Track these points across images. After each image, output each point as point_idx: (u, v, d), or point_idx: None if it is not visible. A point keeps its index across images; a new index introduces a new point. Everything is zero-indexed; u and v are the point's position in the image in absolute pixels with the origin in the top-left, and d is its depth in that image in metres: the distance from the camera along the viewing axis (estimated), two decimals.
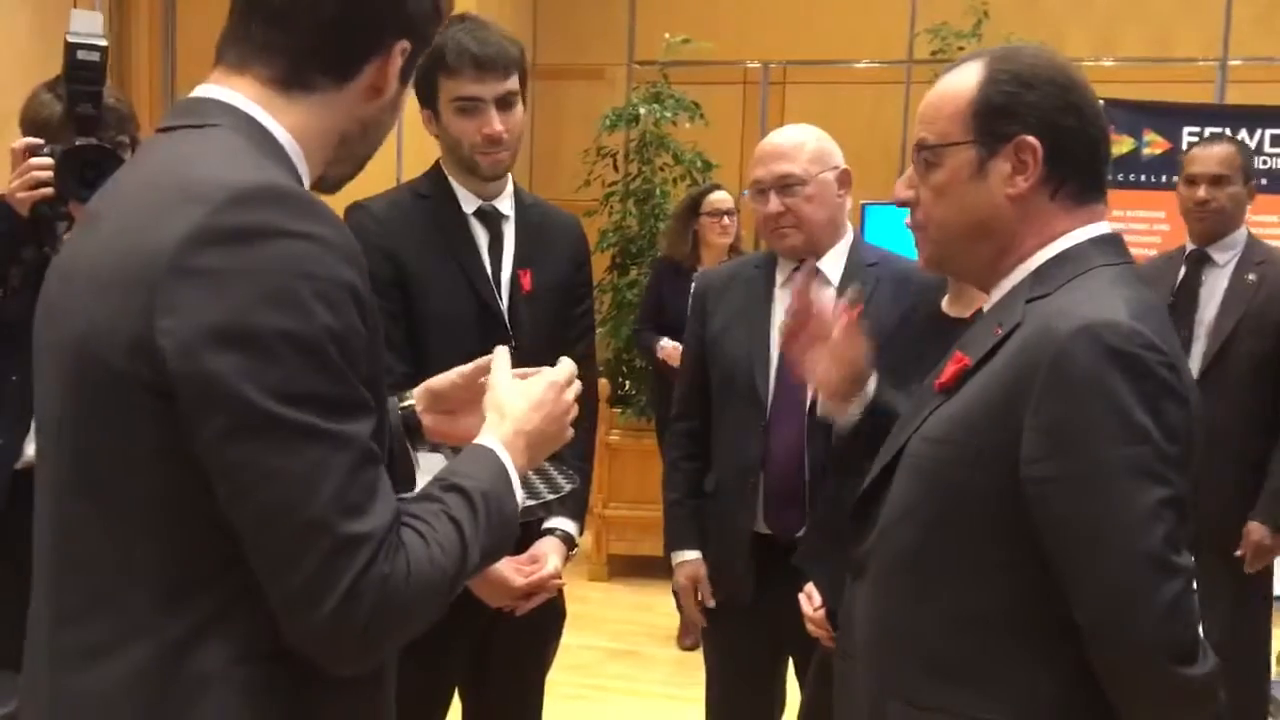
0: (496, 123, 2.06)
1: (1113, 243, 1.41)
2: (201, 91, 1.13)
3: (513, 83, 2.08)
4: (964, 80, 1.40)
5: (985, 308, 1.47)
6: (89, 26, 2.04)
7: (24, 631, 2.58)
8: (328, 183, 1.23)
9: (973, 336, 1.43)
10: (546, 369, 1.35)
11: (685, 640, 4.42)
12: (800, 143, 2.33)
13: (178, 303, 0.97)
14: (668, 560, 2.51)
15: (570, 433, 1.34)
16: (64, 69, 2.06)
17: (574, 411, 1.34)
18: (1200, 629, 1.27)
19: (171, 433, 0.99)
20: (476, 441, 1.23)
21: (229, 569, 1.02)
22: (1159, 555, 1.23)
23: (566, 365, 1.35)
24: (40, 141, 2.12)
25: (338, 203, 2.16)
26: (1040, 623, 1.30)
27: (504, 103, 2.07)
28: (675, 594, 2.51)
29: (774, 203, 2.29)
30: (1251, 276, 3.11)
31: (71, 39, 2.02)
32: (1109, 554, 1.24)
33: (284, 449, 0.97)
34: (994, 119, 1.37)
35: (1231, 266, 3.16)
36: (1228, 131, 4.31)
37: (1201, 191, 3.12)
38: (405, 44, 1.15)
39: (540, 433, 1.27)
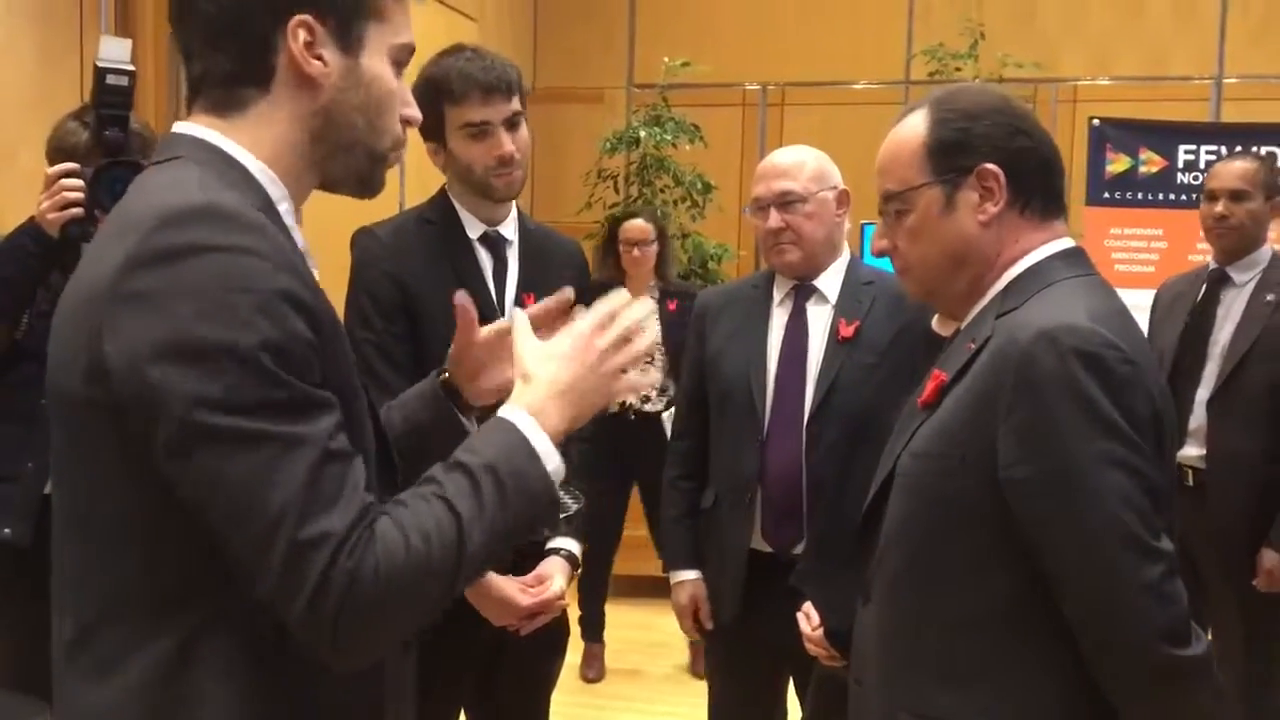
0: (508, 143, 2.10)
1: (1075, 256, 1.47)
2: (175, 128, 1.16)
3: (517, 103, 2.12)
4: (913, 127, 1.47)
5: (962, 326, 1.52)
6: (118, 53, 2.08)
7: (33, 655, 2.59)
8: (346, 183, 1.20)
9: (950, 354, 1.48)
10: (575, 324, 1.22)
11: (697, 667, 4.42)
12: (801, 161, 2.37)
13: (119, 326, 1.00)
14: (668, 579, 2.53)
15: (625, 380, 1.21)
16: (93, 94, 2.10)
17: (623, 354, 1.20)
18: (1188, 612, 1.31)
19: (134, 451, 1.02)
20: (498, 413, 1.15)
21: (215, 577, 1.04)
22: (1139, 541, 1.28)
23: (598, 309, 1.21)
24: (75, 166, 2.16)
25: (344, 229, 2.22)
26: (1041, 623, 1.34)
27: (511, 123, 2.12)
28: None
29: (774, 218, 2.33)
30: (1270, 297, 3.03)
31: (101, 64, 2.06)
32: (1090, 545, 1.29)
33: (233, 457, 0.98)
34: (951, 155, 1.44)
35: (1251, 287, 3.08)
36: (1223, 149, 4.34)
37: (1220, 207, 3.06)
38: (302, 18, 1.11)
39: (578, 387, 1.16)
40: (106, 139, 2.11)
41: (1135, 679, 1.31)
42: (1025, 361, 1.31)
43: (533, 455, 1.11)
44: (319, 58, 1.12)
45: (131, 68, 2.09)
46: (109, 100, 2.08)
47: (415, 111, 1.23)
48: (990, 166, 1.42)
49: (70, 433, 1.09)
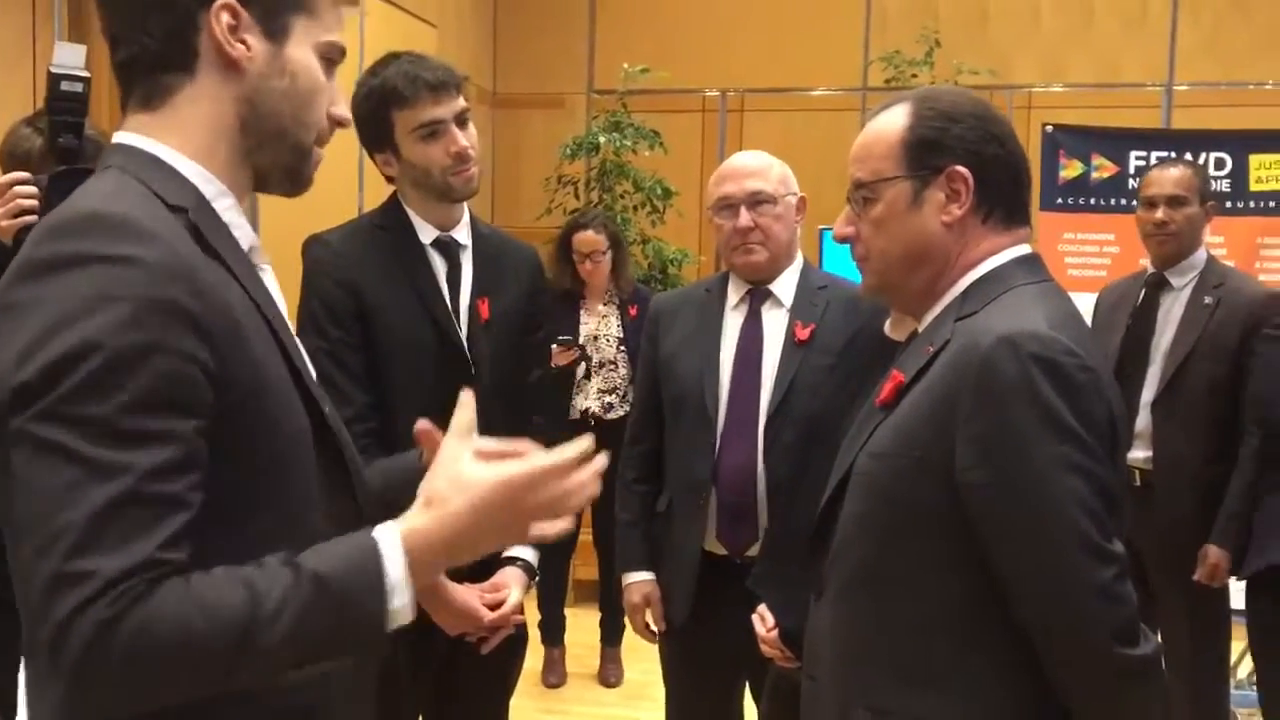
0: (461, 139, 2.11)
1: (1033, 262, 1.50)
2: (113, 139, 1.17)
3: (463, 100, 2.14)
4: (892, 120, 1.49)
5: (920, 329, 1.53)
6: (73, 59, 2.06)
7: (6, 676, 2.55)
8: (273, 177, 1.19)
9: (908, 355, 1.50)
10: (524, 460, 1.10)
11: (550, 677, 4.43)
12: (769, 164, 2.40)
13: (0, 337, 1.00)
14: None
15: (535, 533, 1.11)
16: (47, 100, 2.08)
17: (545, 511, 1.11)
18: (1137, 612, 1.34)
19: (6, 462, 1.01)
20: (375, 528, 1.06)
21: None
22: (1093, 544, 1.31)
23: (547, 460, 1.10)
24: (27, 175, 2.14)
25: (298, 236, 2.21)
26: (995, 624, 1.37)
27: (461, 120, 2.12)
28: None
29: (745, 217, 2.34)
30: (1208, 300, 3.10)
31: (55, 70, 2.04)
32: (1046, 547, 1.31)
33: (37, 466, 0.96)
34: (925, 152, 1.45)
35: (1189, 290, 3.15)
36: (1173, 155, 4.41)
37: (1159, 213, 3.12)
38: (225, 1, 1.11)
39: (471, 540, 1.08)
40: (61, 146, 2.09)
41: (1086, 679, 1.33)
42: (985, 366, 1.32)
43: (376, 586, 1.03)
44: (242, 42, 1.13)
45: (86, 74, 2.07)
46: (63, 107, 2.06)
47: (345, 112, 1.23)
48: (960, 169, 1.44)
49: None
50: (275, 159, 1.19)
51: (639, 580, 2.48)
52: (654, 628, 2.48)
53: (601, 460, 1.14)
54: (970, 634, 1.38)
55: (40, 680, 1.07)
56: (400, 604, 1.04)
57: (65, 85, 2.04)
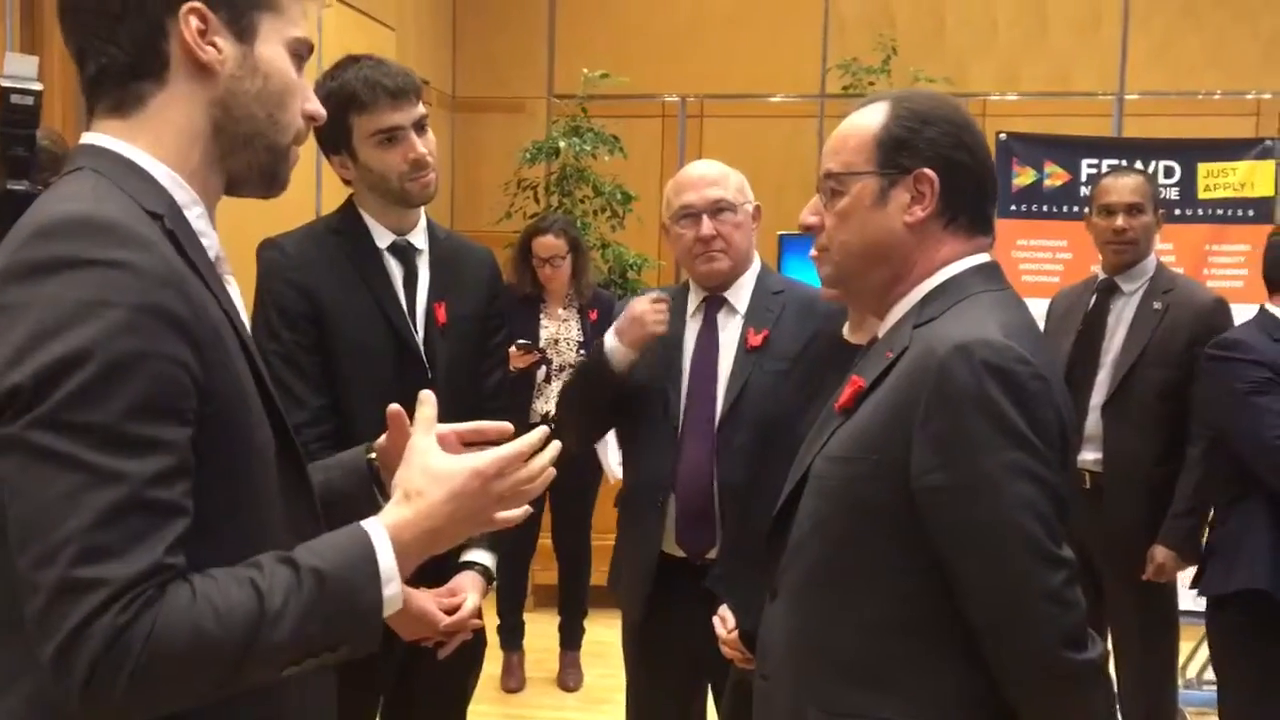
0: (420, 146, 2.11)
1: (991, 271, 1.52)
2: (81, 139, 1.16)
3: (422, 107, 2.14)
4: (870, 117, 1.51)
5: (879, 334, 1.55)
6: (24, 70, 2.04)
7: None
8: (249, 180, 1.19)
9: (868, 361, 1.52)
10: (489, 451, 1.17)
11: (510, 682, 4.43)
12: (726, 173, 2.43)
13: None
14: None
15: (501, 517, 1.19)
16: None
17: (511, 496, 1.18)
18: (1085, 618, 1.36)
19: None
20: (361, 522, 1.11)
21: None
22: (1044, 549, 1.33)
23: (511, 449, 1.17)
24: None
25: (253, 239, 2.19)
26: (946, 626, 1.39)
27: (420, 127, 2.12)
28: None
29: (707, 226, 2.36)
30: (1157, 305, 3.15)
31: (6, 83, 2.02)
32: (998, 551, 1.33)
33: (37, 475, 0.95)
34: (895, 151, 1.47)
35: (1139, 295, 3.20)
36: (1124, 163, 4.49)
37: (1120, 220, 3.17)
38: (193, 5, 1.11)
39: (453, 523, 1.14)
40: (11, 159, 2.08)
41: (1034, 681, 1.36)
42: (941, 374, 1.34)
43: (372, 576, 1.07)
44: (212, 44, 1.12)
45: (38, 86, 2.06)
46: (13, 119, 2.05)
47: (318, 107, 1.22)
48: (928, 172, 1.46)
49: None
50: (251, 161, 1.18)
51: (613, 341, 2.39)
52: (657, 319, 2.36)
53: (556, 446, 1.22)
54: (922, 635, 1.40)
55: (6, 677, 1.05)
56: (392, 593, 1.08)
57: (15, 98, 2.03)
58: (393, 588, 1.08)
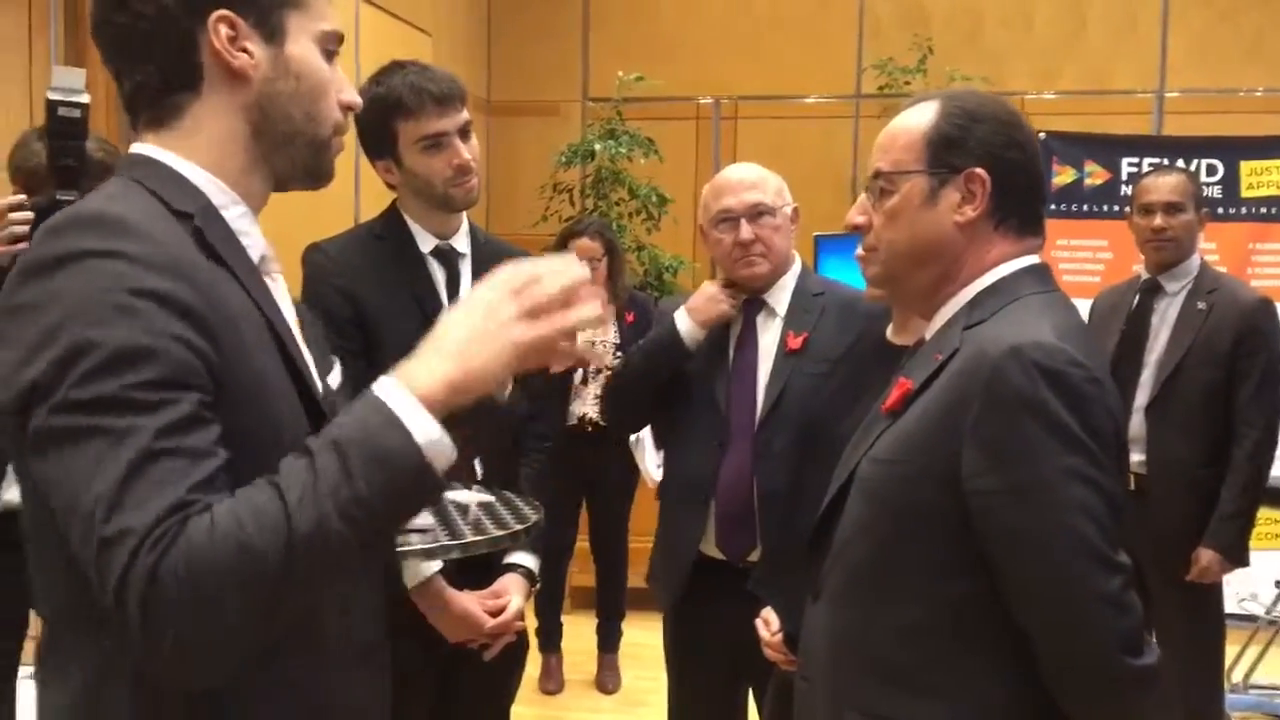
0: (464, 152, 2.13)
1: (1041, 272, 1.50)
2: (130, 150, 1.18)
3: (467, 113, 2.15)
4: (920, 115, 1.50)
5: (926, 336, 1.54)
6: (70, 82, 2.08)
7: (4, 683, 2.56)
8: (294, 176, 1.20)
9: (916, 362, 1.51)
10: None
11: (548, 684, 4.44)
12: (764, 176, 2.42)
13: (4, 338, 1.02)
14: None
15: (534, 343, 1.05)
16: (45, 124, 2.11)
17: (543, 323, 1.05)
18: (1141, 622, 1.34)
19: (25, 464, 1.03)
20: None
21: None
22: (1100, 554, 1.32)
23: (524, 265, 1.08)
24: (22, 199, 2.17)
25: (295, 243, 2.22)
26: (990, 631, 1.37)
27: (464, 133, 2.14)
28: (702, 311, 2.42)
29: (746, 230, 2.36)
30: (1201, 305, 3.13)
31: (53, 96, 2.06)
32: (1054, 556, 1.32)
33: (67, 455, 0.97)
34: (946, 150, 1.46)
35: (1183, 295, 3.18)
36: (1165, 161, 4.44)
37: (1158, 220, 3.16)
38: (221, 14, 1.12)
39: (471, 342, 1.03)
40: (59, 170, 2.12)
41: (1090, 687, 1.34)
42: (993, 376, 1.33)
43: (391, 421, 0.99)
44: (244, 50, 1.14)
45: (84, 99, 2.09)
46: (61, 131, 2.09)
47: (355, 97, 1.23)
48: (979, 171, 1.44)
49: (5, 447, 1.10)
50: (294, 158, 1.19)
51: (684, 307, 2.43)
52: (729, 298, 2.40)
53: (584, 271, 1.09)
54: (965, 639, 1.39)
55: (64, 665, 1.08)
56: (426, 434, 1.00)
57: (63, 111, 2.07)
58: (422, 428, 1.00)
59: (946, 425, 1.37)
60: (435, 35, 5.62)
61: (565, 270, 1.08)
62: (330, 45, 1.20)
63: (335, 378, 1.37)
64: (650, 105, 5.88)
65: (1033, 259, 1.50)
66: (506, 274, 1.07)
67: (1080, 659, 1.33)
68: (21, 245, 2.15)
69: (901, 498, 1.41)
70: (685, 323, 2.41)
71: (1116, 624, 1.31)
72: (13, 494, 2.35)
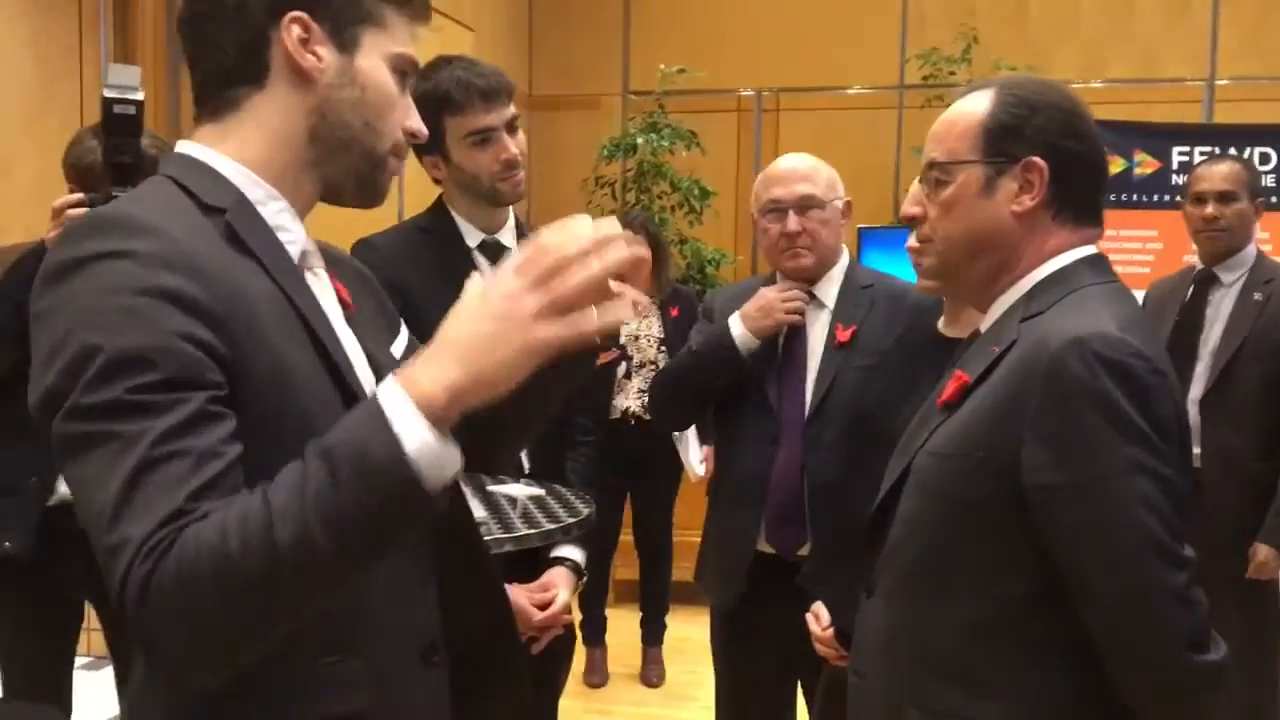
0: (512, 146, 2.13)
1: (1100, 263, 1.48)
2: (175, 148, 1.20)
3: (514, 108, 2.15)
4: (975, 104, 1.47)
5: (982, 328, 1.52)
6: (126, 80, 2.10)
7: (45, 673, 2.62)
8: (346, 187, 1.20)
9: (972, 355, 1.49)
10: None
11: (592, 678, 4.45)
12: (817, 167, 2.40)
13: (33, 343, 1.04)
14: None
15: (553, 325, 0.95)
16: (101, 121, 2.13)
17: (554, 289, 0.95)
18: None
19: None
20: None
21: None
22: (1166, 548, 1.29)
23: (530, 239, 0.99)
24: (81, 196, 2.20)
25: (337, 238, 2.23)
26: (1047, 626, 1.36)
27: (511, 127, 2.15)
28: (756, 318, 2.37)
29: (793, 222, 2.34)
30: (1258, 296, 3.08)
31: (108, 93, 2.08)
32: (1118, 551, 1.29)
33: (81, 461, 0.98)
34: (1003, 139, 1.44)
35: (1239, 286, 3.13)
36: (1216, 150, 4.36)
37: (1209, 209, 3.11)
38: (296, 14, 1.13)
39: (478, 335, 0.95)
40: (114, 167, 2.15)
41: (1156, 684, 1.32)
42: (1055, 368, 1.31)
43: (383, 428, 0.93)
44: (313, 53, 1.15)
45: (139, 96, 2.12)
46: (116, 128, 2.12)
47: (420, 125, 1.23)
48: (1037, 160, 1.42)
49: None
50: (347, 167, 1.19)
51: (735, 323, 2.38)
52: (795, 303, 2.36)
53: (615, 227, 0.99)
54: (1024, 636, 1.37)
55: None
56: (419, 445, 0.93)
57: (118, 109, 2.10)
58: (415, 437, 0.93)
59: (1005, 418, 1.35)
60: (477, 30, 5.64)
61: (596, 247, 0.97)
62: (404, 68, 1.21)
63: (400, 346, 1.38)
64: (691, 98, 5.87)
65: (1091, 249, 1.48)
66: (528, 255, 0.97)
67: (1146, 656, 1.30)
68: None
69: (959, 492, 1.39)
70: (739, 329, 2.38)
71: (1183, 620, 1.29)
72: (66, 487, 2.40)
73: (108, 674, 2.66)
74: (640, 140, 5.59)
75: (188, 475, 0.96)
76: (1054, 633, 1.35)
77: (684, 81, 5.58)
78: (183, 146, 1.18)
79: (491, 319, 0.95)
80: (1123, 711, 1.35)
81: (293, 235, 1.19)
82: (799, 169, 2.39)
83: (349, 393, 1.14)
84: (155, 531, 0.94)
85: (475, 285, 0.99)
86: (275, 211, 1.17)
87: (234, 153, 1.16)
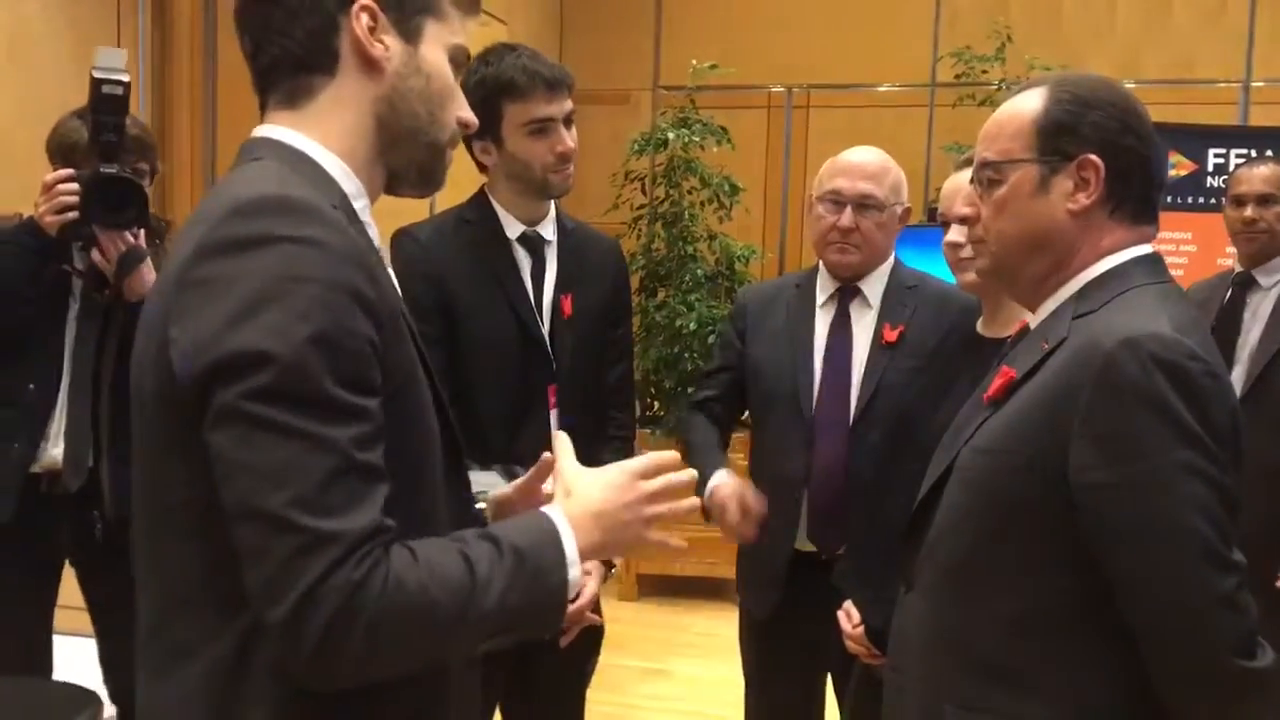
0: (569, 139, 2.14)
1: (1155, 262, 1.46)
2: (255, 132, 1.19)
3: (571, 102, 2.15)
4: (1028, 102, 1.46)
5: (1032, 324, 1.51)
6: (113, 62, 2.17)
7: (28, 637, 2.63)
8: (408, 177, 1.21)
9: (1020, 351, 1.48)
10: (625, 461, 1.24)
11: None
12: (886, 168, 2.36)
13: (184, 310, 1.02)
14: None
15: (653, 533, 1.22)
16: (89, 101, 2.20)
17: (663, 505, 1.22)
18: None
19: (194, 443, 1.01)
20: (541, 509, 1.16)
21: None
22: (1216, 552, 1.28)
23: (648, 458, 1.24)
24: (71, 172, 2.26)
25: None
26: (1091, 626, 1.35)
27: (569, 121, 2.15)
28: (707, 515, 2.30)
29: (848, 217, 2.31)
30: None
31: (96, 74, 2.15)
32: (1166, 553, 1.28)
33: (256, 443, 0.97)
34: (1057, 137, 1.42)
35: (1278, 290, 3.10)
36: (1252, 152, 4.32)
37: (1249, 211, 3.09)
38: (364, 3, 1.14)
39: (614, 516, 1.17)
40: (101, 144, 2.21)
41: (1202, 690, 1.31)
42: (1107, 367, 1.29)
43: (560, 558, 1.10)
44: (380, 42, 1.16)
45: (125, 77, 2.19)
46: (104, 107, 2.18)
47: (471, 115, 1.25)
48: (1092, 158, 1.41)
49: (144, 425, 1.11)
50: (411, 157, 1.21)
51: (721, 480, 2.30)
52: (748, 531, 2.29)
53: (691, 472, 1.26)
54: (1065, 635, 1.36)
55: (179, 656, 1.08)
56: (574, 576, 1.11)
57: (106, 89, 2.17)
58: (575, 572, 1.11)
59: (1053, 416, 1.34)
60: (510, 23, 5.65)
61: (678, 469, 1.24)
62: (459, 59, 1.23)
63: None
64: (722, 94, 5.85)
65: (1146, 248, 1.46)
66: (643, 467, 1.22)
67: (1192, 661, 1.30)
68: (71, 215, 2.24)
69: (1003, 489, 1.38)
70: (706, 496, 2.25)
71: (1231, 625, 1.28)
72: (57, 451, 2.42)
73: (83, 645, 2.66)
74: (671, 135, 5.57)
75: (375, 489, 1.00)
76: (1100, 633, 1.34)
77: (715, 77, 5.57)
78: (271, 131, 1.17)
79: (626, 508, 1.18)
80: (1167, 714, 1.34)
81: (374, 231, 1.20)
82: (868, 165, 2.34)
83: (438, 395, 1.18)
84: (368, 538, 0.97)
85: (607, 473, 1.22)
86: (361, 208, 1.18)
87: (321, 139, 1.16)
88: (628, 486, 1.20)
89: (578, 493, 1.19)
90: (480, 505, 1.40)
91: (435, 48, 1.19)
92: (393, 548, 0.99)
